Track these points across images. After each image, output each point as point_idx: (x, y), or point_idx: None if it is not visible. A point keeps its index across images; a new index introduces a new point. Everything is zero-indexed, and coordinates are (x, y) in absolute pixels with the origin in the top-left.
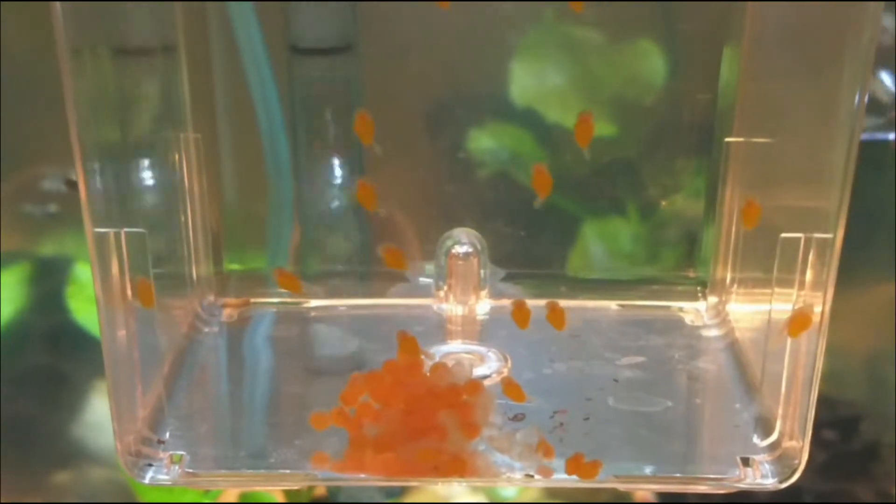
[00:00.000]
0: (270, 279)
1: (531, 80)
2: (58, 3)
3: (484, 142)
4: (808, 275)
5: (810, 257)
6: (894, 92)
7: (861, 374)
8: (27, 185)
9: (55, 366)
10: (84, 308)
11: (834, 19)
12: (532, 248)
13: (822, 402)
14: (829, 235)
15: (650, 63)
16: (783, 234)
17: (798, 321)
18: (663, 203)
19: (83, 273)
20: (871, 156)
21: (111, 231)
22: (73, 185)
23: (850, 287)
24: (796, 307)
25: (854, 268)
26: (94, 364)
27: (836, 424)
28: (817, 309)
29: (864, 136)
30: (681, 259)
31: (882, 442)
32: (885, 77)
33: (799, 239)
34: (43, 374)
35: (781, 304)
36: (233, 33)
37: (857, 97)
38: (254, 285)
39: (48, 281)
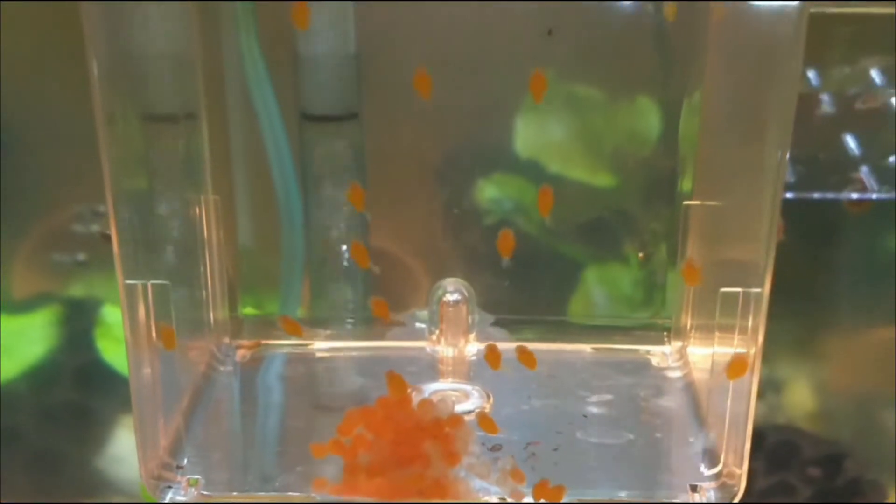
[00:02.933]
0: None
1: (534, 134)
2: (95, 70)
3: (489, 192)
4: (750, 322)
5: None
6: (858, 154)
7: (846, 414)
8: (57, 232)
9: (82, 402)
10: (111, 348)
11: (760, 80)
12: (518, 296)
13: (810, 440)
14: (760, 290)
15: (647, 119)
16: (722, 289)
17: (735, 366)
18: (640, 255)
19: (110, 315)
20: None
21: (139, 283)
22: (107, 238)
23: (836, 334)
24: (734, 353)
25: (842, 315)
26: (118, 400)
27: (821, 462)
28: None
29: (841, 196)
30: (650, 307)
31: (864, 478)
32: (850, 140)
33: (738, 293)
34: (70, 410)
35: (725, 349)
36: (250, 102)
37: (779, 159)
38: (265, 329)
39: (77, 322)
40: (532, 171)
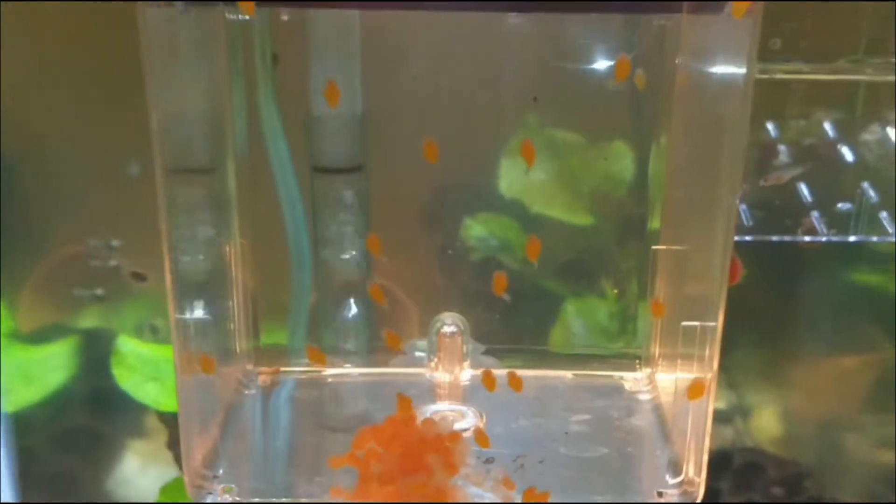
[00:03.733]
0: (294, 352)
1: (517, 176)
2: (155, 125)
3: (476, 230)
4: (707, 351)
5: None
6: (809, 201)
7: (807, 438)
8: (76, 267)
9: (98, 426)
10: (125, 375)
11: (713, 136)
12: (506, 327)
13: (773, 461)
14: (714, 324)
15: (622, 161)
16: (683, 323)
17: (694, 389)
18: (615, 291)
19: (124, 345)
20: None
21: (187, 318)
22: (137, 276)
23: (799, 363)
24: (693, 378)
25: (804, 346)
26: (130, 425)
27: (784, 482)
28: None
29: (795, 239)
30: (623, 336)
31: (824, 497)
32: (803, 187)
33: (696, 326)
34: (86, 434)
35: (686, 374)
36: (267, 156)
37: (729, 205)
38: (283, 357)
39: (95, 352)
40: (515, 211)
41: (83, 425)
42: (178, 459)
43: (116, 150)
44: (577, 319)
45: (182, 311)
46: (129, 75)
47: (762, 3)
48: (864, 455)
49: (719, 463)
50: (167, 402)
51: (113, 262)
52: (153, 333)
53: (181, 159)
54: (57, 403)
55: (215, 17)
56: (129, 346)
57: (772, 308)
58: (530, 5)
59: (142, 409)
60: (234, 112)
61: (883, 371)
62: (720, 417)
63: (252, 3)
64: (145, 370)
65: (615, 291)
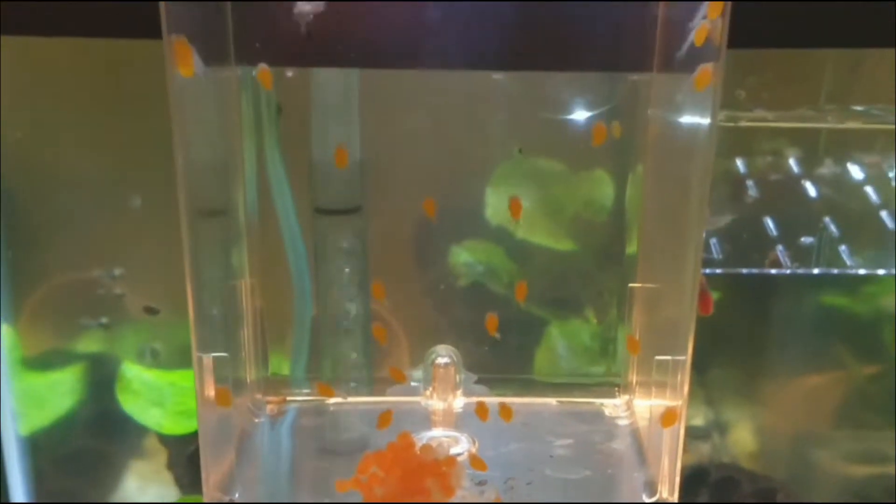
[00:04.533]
0: (297, 382)
1: (503, 204)
2: (181, 169)
3: (463, 256)
4: (678, 382)
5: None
6: (775, 235)
7: (779, 453)
8: (83, 297)
9: (104, 448)
10: (129, 399)
11: (681, 179)
12: (494, 359)
13: (747, 475)
14: (684, 357)
15: (603, 189)
16: (656, 357)
17: (667, 417)
18: (595, 321)
19: (128, 370)
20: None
21: (206, 356)
22: (150, 310)
23: (773, 383)
24: (666, 407)
25: (777, 368)
26: (131, 447)
27: (757, 495)
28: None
29: (762, 271)
30: (604, 360)
31: None
32: (769, 221)
33: (668, 360)
34: (92, 455)
35: (660, 401)
36: (272, 199)
37: (696, 242)
38: (286, 386)
39: (101, 377)
40: (501, 238)
41: (90, 447)
42: (177, 480)
43: (120, 185)
44: (561, 341)
45: (202, 349)
46: (132, 111)
47: (722, 71)
48: (833, 468)
49: (697, 478)
50: (169, 426)
51: (117, 291)
52: (153, 357)
53: (201, 202)
54: (67, 426)
55: (229, 77)
56: (134, 372)
57: (747, 329)
58: (521, 64)
59: (143, 431)
60: (244, 159)
61: (850, 388)
62: (698, 434)
63: (270, 76)
64: (149, 395)
65: (596, 314)
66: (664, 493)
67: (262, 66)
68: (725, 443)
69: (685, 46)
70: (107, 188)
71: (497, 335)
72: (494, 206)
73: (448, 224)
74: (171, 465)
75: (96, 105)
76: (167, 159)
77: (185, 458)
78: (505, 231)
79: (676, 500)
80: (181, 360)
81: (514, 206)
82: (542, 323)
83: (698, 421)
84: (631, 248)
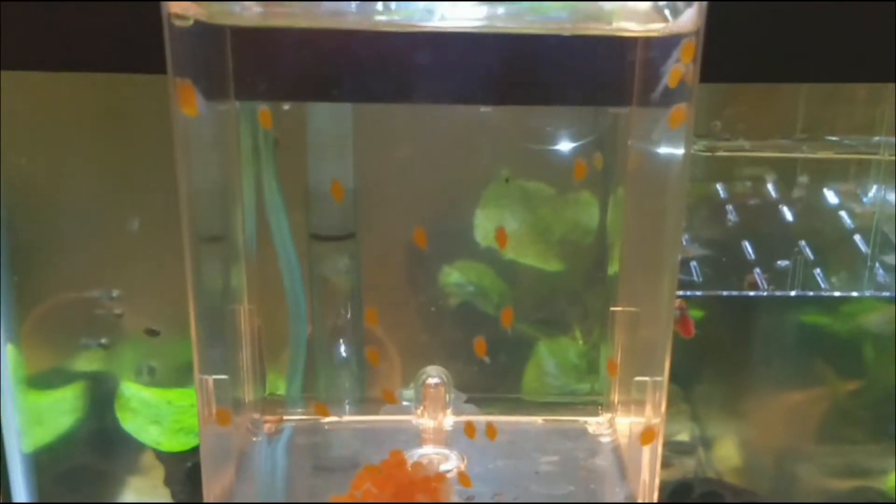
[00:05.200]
0: (292, 401)
1: (492, 226)
2: (185, 199)
3: (454, 276)
4: (656, 401)
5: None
6: (753, 258)
7: (762, 467)
8: (83, 318)
9: (103, 464)
10: (129, 418)
11: (659, 206)
12: (483, 379)
13: (730, 489)
14: (661, 378)
15: (589, 211)
16: (636, 378)
17: (646, 435)
18: (580, 343)
19: (127, 389)
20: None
21: (207, 378)
22: (151, 332)
23: (754, 400)
24: (645, 426)
25: (759, 385)
26: (131, 462)
27: None
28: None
29: (741, 294)
30: (588, 384)
31: None
32: (747, 245)
33: (646, 381)
34: (92, 471)
35: (640, 419)
36: (269, 226)
37: (672, 267)
38: (285, 406)
39: (100, 396)
40: (490, 258)
41: (89, 463)
42: (174, 496)
43: (118, 209)
44: (549, 358)
45: (204, 371)
46: (131, 139)
47: (696, 104)
48: (814, 483)
49: (681, 492)
50: (167, 443)
51: (116, 311)
52: (150, 375)
53: (202, 230)
54: (68, 443)
55: (229, 110)
56: (132, 391)
57: (728, 348)
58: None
59: (141, 448)
60: (243, 188)
61: (831, 405)
62: (683, 450)
63: (270, 116)
64: (147, 413)
65: (582, 332)
66: None
67: (263, 108)
68: (711, 457)
69: (660, 88)
70: (106, 213)
71: (486, 358)
72: (484, 228)
73: (439, 247)
74: (169, 482)
75: (96, 133)
76: (164, 185)
77: (182, 474)
78: (494, 252)
79: None
80: (178, 378)
81: (500, 236)
82: (529, 341)
83: (683, 437)
84: (613, 269)
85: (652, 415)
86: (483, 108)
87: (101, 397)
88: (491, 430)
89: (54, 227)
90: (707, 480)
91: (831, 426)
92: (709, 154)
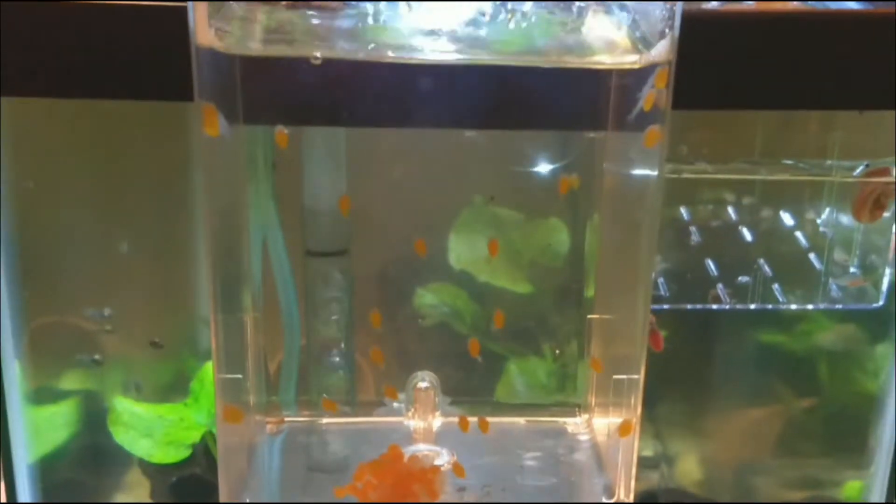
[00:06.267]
0: (286, 405)
1: (465, 249)
2: (210, 215)
3: (428, 298)
4: (632, 398)
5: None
6: (716, 274)
7: (723, 479)
8: (77, 334)
9: (98, 476)
10: (121, 431)
11: (632, 223)
12: (469, 383)
13: (693, 499)
14: (637, 376)
15: (558, 236)
16: (614, 376)
17: (624, 428)
18: (556, 351)
19: (119, 404)
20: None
21: (227, 377)
22: (155, 345)
23: (717, 415)
24: (623, 419)
25: (720, 400)
26: (123, 474)
27: None
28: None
29: (705, 307)
30: (566, 390)
31: None
32: (710, 263)
33: (624, 379)
34: (88, 482)
35: (617, 419)
36: (265, 241)
37: (646, 280)
38: (283, 408)
39: (94, 410)
40: (463, 281)
41: (87, 475)
42: None
43: (110, 233)
44: (519, 377)
45: (221, 372)
46: (126, 166)
47: (668, 132)
48: (771, 492)
49: (646, 503)
50: (159, 455)
51: (108, 328)
52: (137, 391)
53: (221, 244)
54: (63, 456)
55: (239, 134)
56: (124, 406)
57: (693, 367)
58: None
59: (130, 463)
60: (249, 209)
61: (787, 420)
62: (648, 464)
63: (286, 137)
64: (139, 427)
65: (556, 352)
66: (621, 495)
67: (280, 128)
68: (673, 473)
69: (635, 111)
70: (99, 235)
71: (479, 358)
72: (457, 252)
73: (424, 264)
74: (154, 495)
75: (93, 161)
76: (154, 209)
77: (167, 488)
78: (468, 275)
79: (632, 501)
80: (169, 394)
81: (492, 246)
82: (503, 359)
83: (647, 452)
84: (589, 292)
85: (629, 409)
86: (468, 133)
87: (95, 412)
88: (483, 423)
89: (51, 249)
90: (670, 492)
91: (788, 441)
92: (675, 176)
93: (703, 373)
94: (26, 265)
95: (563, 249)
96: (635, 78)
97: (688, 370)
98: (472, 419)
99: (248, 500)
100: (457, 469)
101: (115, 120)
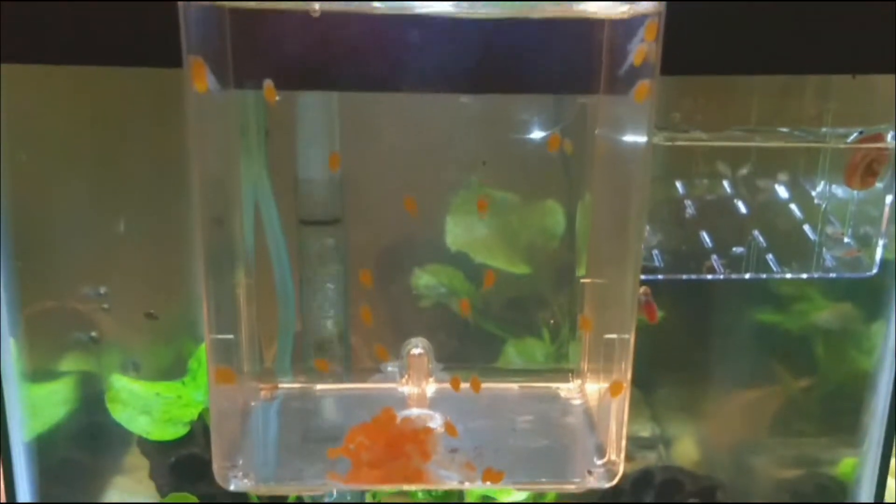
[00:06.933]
0: (282, 372)
1: (461, 231)
2: (198, 187)
3: (426, 279)
4: (623, 358)
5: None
6: (710, 246)
7: (720, 457)
8: (73, 313)
9: (95, 451)
10: (119, 409)
11: (623, 190)
12: (462, 350)
13: (690, 476)
14: (627, 336)
15: (554, 218)
16: (605, 335)
17: (615, 387)
18: (551, 322)
19: (117, 382)
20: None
21: (218, 337)
22: (150, 316)
23: (716, 394)
24: (614, 379)
25: (719, 381)
26: (122, 450)
27: (698, 493)
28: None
29: (700, 277)
30: (559, 357)
31: None
32: (704, 235)
33: (614, 339)
34: (85, 458)
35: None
36: (260, 210)
37: (636, 245)
38: (278, 374)
39: (92, 388)
40: (460, 262)
41: (84, 451)
42: (159, 489)
43: (108, 210)
44: (516, 359)
45: (213, 332)
46: (122, 142)
47: (657, 88)
48: (766, 471)
49: (643, 480)
50: (156, 433)
51: (105, 306)
52: (135, 370)
53: (211, 213)
54: (62, 433)
55: (230, 97)
56: (122, 383)
57: (687, 349)
58: (477, 87)
59: (129, 442)
60: (241, 176)
61: (784, 400)
62: (645, 444)
63: (274, 91)
64: (137, 404)
65: (551, 322)
66: (612, 455)
67: (268, 83)
68: (670, 454)
69: (626, 65)
70: (96, 213)
71: (470, 318)
72: (454, 233)
73: (419, 239)
74: (154, 475)
75: (89, 130)
76: (153, 186)
77: (166, 468)
78: (465, 256)
79: (622, 461)
80: (165, 371)
81: (481, 203)
82: (500, 338)
83: (644, 432)
84: (581, 270)
85: (619, 370)
86: (462, 99)
87: (94, 389)
88: (475, 382)
89: (48, 227)
90: (667, 468)
91: (784, 420)
92: (669, 144)
93: (700, 353)
94: (22, 243)
95: (559, 230)
96: (625, 32)
97: (684, 350)
98: (465, 385)
99: (240, 462)
100: (449, 428)
101: (110, 95)
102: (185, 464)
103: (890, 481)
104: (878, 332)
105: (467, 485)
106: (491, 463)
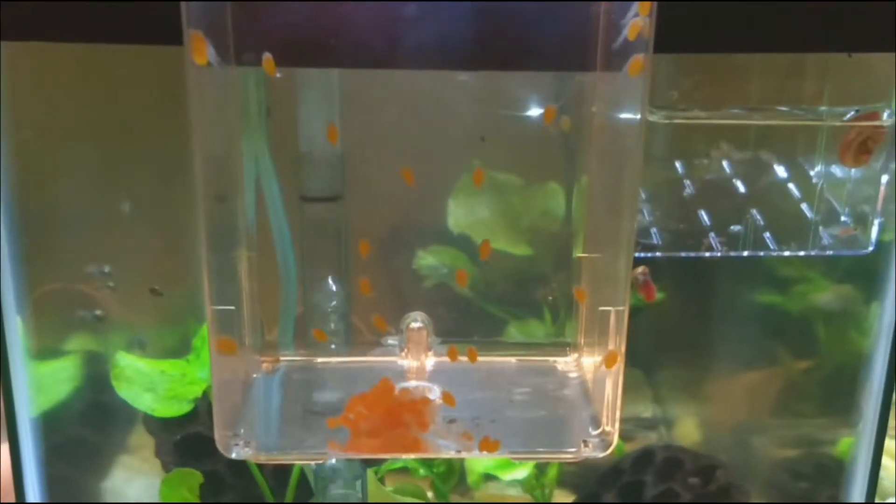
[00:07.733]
0: (285, 345)
1: (464, 213)
2: (200, 161)
3: (429, 260)
4: (617, 330)
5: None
6: (708, 224)
7: (720, 437)
8: (79, 292)
9: (99, 428)
10: (124, 386)
11: (618, 167)
12: (463, 325)
13: (690, 455)
14: (622, 308)
15: (555, 200)
16: (600, 308)
17: (610, 358)
18: (550, 298)
19: (122, 359)
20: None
21: (219, 308)
22: (154, 291)
23: (716, 375)
24: (609, 350)
25: (722, 362)
26: (127, 428)
27: (698, 472)
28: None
29: (698, 255)
30: (556, 330)
31: (732, 484)
32: (703, 213)
33: (609, 311)
34: (90, 435)
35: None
36: (262, 187)
37: (630, 221)
38: (280, 348)
39: (97, 366)
40: (462, 244)
41: (89, 428)
42: (165, 466)
43: (110, 191)
44: (517, 335)
45: (214, 303)
46: (125, 120)
47: (652, 64)
48: (765, 451)
49: (644, 458)
50: (161, 409)
51: (111, 285)
52: (141, 348)
53: (213, 189)
54: (67, 411)
55: (232, 75)
56: (127, 361)
57: (688, 330)
58: (474, 64)
59: (135, 420)
60: (243, 153)
61: (784, 381)
62: (646, 425)
63: (273, 64)
64: (142, 382)
65: (550, 299)
66: (606, 426)
67: (267, 56)
68: (672, 434)
69: (620, 40)
70: (100, 192)
71: (467, 290)
72: (456, 216)
73: (418, 209)
74: (160, 453)
75: (95, 113)
76: (155, 167)
77: (171, 445)
78: (467, 238)
79: (616, 432)
80: (170, 350)
81: (477, 175)
82: (501, 318)
83: (646, 413)
84: (577, 251)
85: (615, 341)
86: (461, 77)
87: (99, 367)
88: (472, 353)
89: (53, 201)
90: (668, 447)
91: (784, 401)
92: (668, 122)
93: (700, 334)
94: (27, 221)
95: (560, 212)
96: (620, 7)
97: (685, 332)
98: (463, 358)
99: (242, 431)
100: (447, 398)
101: (115, 73)
102: (190, 441)
103: (887, 461)
104: (876, 313)
105: (464, 454)
106: (488, 433)
